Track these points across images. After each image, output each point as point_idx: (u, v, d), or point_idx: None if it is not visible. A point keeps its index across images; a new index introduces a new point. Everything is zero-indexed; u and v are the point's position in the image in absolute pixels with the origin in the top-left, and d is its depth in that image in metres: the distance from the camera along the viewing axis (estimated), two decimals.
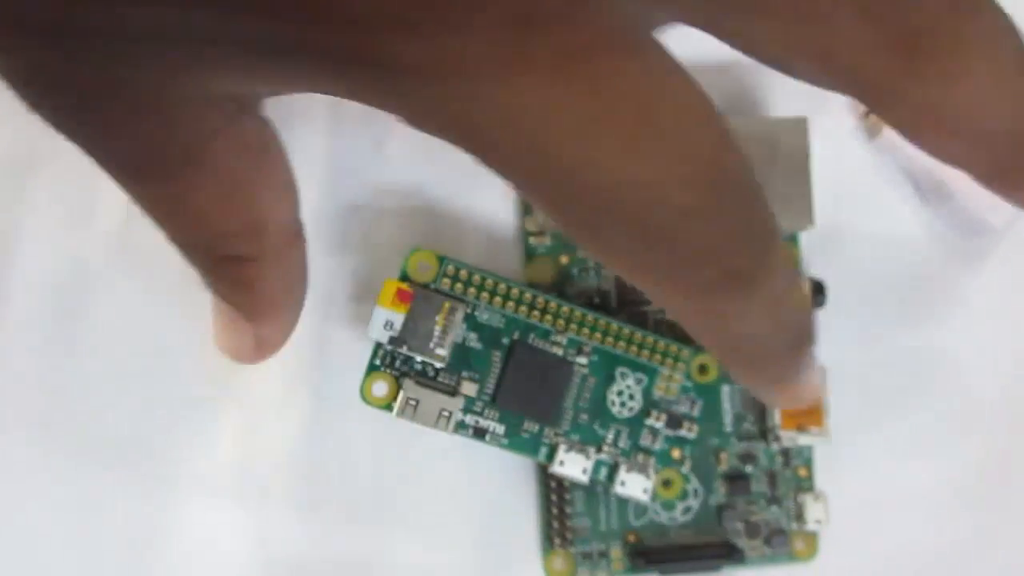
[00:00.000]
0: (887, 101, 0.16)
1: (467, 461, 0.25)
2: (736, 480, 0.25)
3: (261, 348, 0.21)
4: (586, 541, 0.24)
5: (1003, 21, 0.16)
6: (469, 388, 0.23)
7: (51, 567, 0.24)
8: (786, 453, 0.25)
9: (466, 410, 0.23)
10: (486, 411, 0.23)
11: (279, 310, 0.21)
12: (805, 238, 0.25)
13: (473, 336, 0.23)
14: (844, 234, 0.26)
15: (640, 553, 0.24)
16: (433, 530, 0.25)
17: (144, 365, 0.25)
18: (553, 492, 0.24)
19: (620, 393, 0.24)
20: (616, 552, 0.25)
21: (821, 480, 0.25)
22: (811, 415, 0.24)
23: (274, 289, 0.20)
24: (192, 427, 0.25)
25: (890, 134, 0.26)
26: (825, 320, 0.25)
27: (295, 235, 0.20)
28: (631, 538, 0.25)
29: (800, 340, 0.18)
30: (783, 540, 0.25)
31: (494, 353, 0.23)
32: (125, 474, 0.24)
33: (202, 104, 0.16)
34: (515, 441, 0.23)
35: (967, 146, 0.16)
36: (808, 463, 0.25)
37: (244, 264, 0.19)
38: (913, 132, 0.17)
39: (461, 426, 0.23)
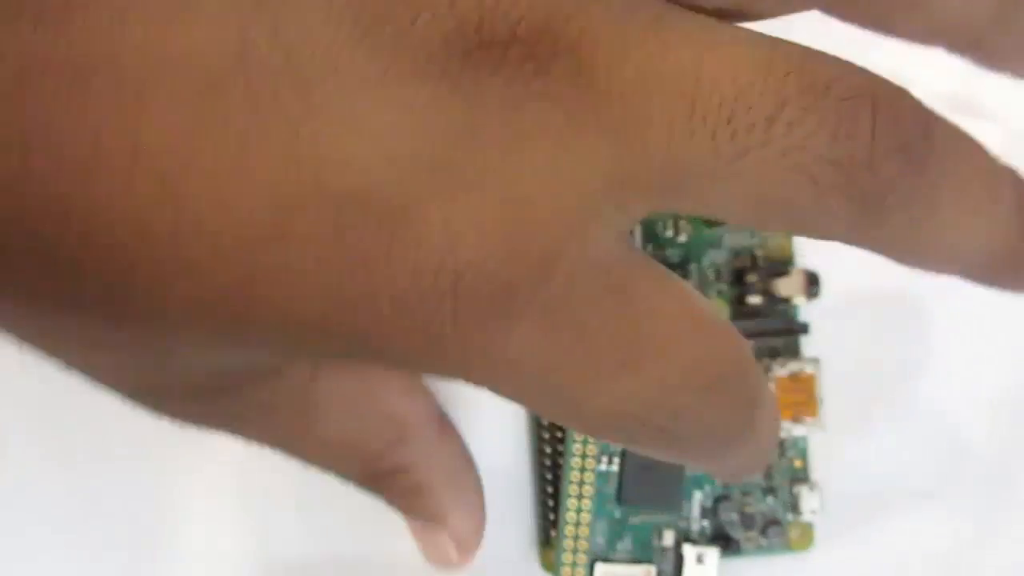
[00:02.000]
0: (857, 242, 0.16)
1: None
2: None
3: (464, 549, 0.22)
4: None
5: (969, 159, 0.15)
6: None
7: (52, 567, 0.24)
8: (781, 444, 0.25)
9: None
10: None
11: (458, 501, 0.21)
12: None
13: None
14: None
15: None
16: None
17: None
18: (549, 484, 0.24)
19: None
20: None
21: (816, 471, 0.25)
22: (806, 406, 0.24)
23: (441, 483, 0.21)
24: (193, 427, 0.25)
25: None
26: (820, 311, 0.25)
27: (440, 426, 0.21)
28: None
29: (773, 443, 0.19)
30: (779, 531, 0.25)
31: None
32: (126, 474, 0.25)
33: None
34: None
35: (942, 265, 0.17)
36: (803, 454, 0.25)
37: (407, 471, 0.20)
38: (885, 252, 0.17)
39: None
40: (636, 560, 0.24)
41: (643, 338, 0.15)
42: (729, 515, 0.25)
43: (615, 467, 0.23)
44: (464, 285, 0.13)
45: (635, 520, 0.24)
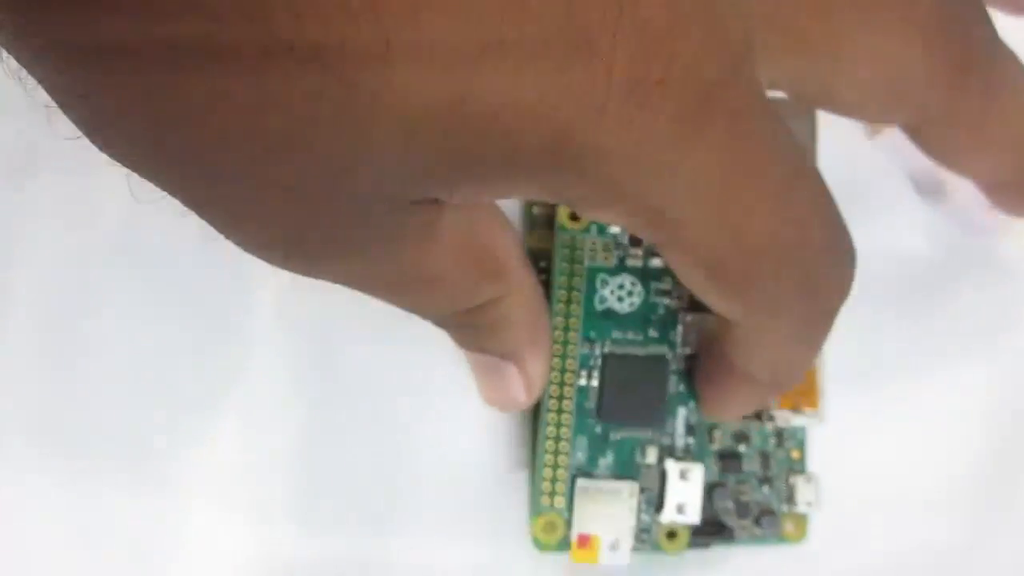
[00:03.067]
0: (933, 120, 0.18)
1: (463, 459, 0.25)
2: (728, 459, 0.24)
3: (530, 388, 0.22)
4: None
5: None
6: None
7: (51, 568, 0.25)
8: (780, 434, 0.25)
9: None
10: None
11: (537, 338, 0.21)
12: None
13: None
14: None
15: None
16: (433, 528, 0.25)
17: (145, 366, 0.25)
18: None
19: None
20: None
21: (813, 463, 0.25)
22: (806, 396, 0.24)
23: (526, 318, 0.21)
24: (192, 428, 0.25)
25: (890, 133, 0.25)
26: None
27: (525, 260, 0.21)
28: None
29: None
30: (773, 521, 0.24)
31: None
32: (125, 475, 0.25)
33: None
34: None
35: (996, 156, 0.19)
36: (801, 445, 0.25)
37: (496, 304, 0.20)
38: (949, 147, 0.19)
39: None
40: (618, 476, 0.23)
41: (796, 163, 0.16)
42: (724, 503, 0.24)
43: (595, 382, 0.23)
44: (675, 77, 0.14)
45: (617, 436, 0.23)
